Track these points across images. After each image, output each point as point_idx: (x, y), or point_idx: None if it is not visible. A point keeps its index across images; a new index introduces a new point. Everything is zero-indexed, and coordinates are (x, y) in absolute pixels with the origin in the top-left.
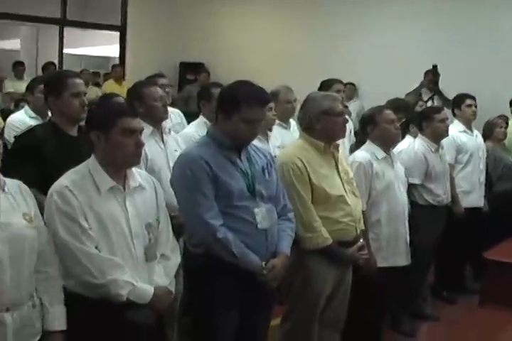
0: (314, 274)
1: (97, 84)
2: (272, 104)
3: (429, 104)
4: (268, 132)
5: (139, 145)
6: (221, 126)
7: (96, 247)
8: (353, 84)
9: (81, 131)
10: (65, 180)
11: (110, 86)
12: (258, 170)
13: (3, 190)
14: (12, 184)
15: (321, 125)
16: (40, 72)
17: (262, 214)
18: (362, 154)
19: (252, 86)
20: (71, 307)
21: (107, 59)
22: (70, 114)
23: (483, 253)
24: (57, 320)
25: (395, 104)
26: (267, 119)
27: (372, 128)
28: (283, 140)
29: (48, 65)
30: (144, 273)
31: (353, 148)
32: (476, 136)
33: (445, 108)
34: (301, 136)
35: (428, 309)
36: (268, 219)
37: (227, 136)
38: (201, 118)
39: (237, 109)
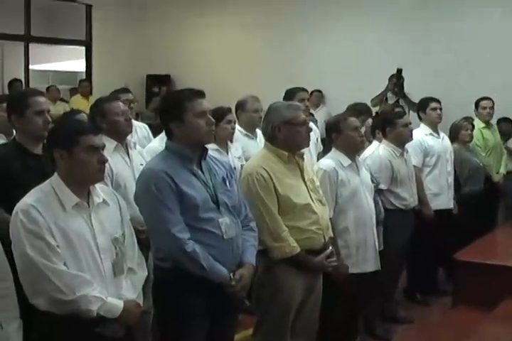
0: (283, 283)
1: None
2: (231, 117)
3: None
4: (229, 143)
5: (102, 161)
6: (177, 136)
7: (64, 264)
8: (319, 91)
9: (45, 149)
10: (29, 199)
11: (77, 101)
12: (219, 181)
13: None
14: None
15: (283, 135)
16: (6, 90)
17: (226, 224)
18: (327, 162)
19: (180, 90)
20: (39, 323)
21: (75, 74)
22: (33, 132)
23: (454, 254)
24: (14, 336)
25: (356, 108)
26: (226, 132)
27: (336, 136)
28: (249, 150)
29: (14, 82)
30: (112, 287)
31: (321, 156)
32: (443, 138)
33: (411, 111)
34: (265, 146)
35: (401, 312)
36: (233, 229)
37: (186, 143)
38: (164, 133)
39: (184, 108)
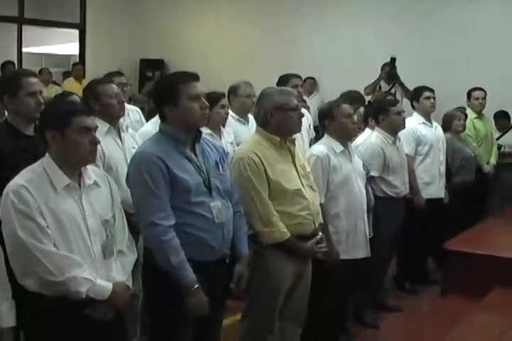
0: (273, 268)
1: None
2: (225, 102)
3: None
4: (221, 128)
5: (94, 143)
6: (171, 119)
7: (54, 245)
8: (313, 79)
9: (37, 130)
10: (20, 179)
11: (70, 84)
12: (212, 164)
13: None
14: None
15: (275, 120)
16: None
17: (217, 208)
18: (319, 148)
19: (173, 73)
20: (30, 305)
21: (68, 57)
22: (25, 113)
23: (444, 243)
24: (6, 317)
25: (349, 96)
26: (220, 116)
27: (329, 123)
28: (240, 136)
29: (7, 64)
30: (102, 269)
31: (313, 142)
32: (436, 127)
33: (404, 100)
34: (256, 131)
35: (390, 300)
36: (224, 213)
37: (180, 126)
38: (158, 116)
39: (178, 92)
